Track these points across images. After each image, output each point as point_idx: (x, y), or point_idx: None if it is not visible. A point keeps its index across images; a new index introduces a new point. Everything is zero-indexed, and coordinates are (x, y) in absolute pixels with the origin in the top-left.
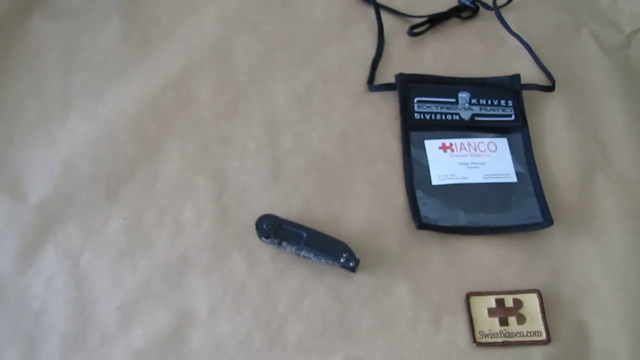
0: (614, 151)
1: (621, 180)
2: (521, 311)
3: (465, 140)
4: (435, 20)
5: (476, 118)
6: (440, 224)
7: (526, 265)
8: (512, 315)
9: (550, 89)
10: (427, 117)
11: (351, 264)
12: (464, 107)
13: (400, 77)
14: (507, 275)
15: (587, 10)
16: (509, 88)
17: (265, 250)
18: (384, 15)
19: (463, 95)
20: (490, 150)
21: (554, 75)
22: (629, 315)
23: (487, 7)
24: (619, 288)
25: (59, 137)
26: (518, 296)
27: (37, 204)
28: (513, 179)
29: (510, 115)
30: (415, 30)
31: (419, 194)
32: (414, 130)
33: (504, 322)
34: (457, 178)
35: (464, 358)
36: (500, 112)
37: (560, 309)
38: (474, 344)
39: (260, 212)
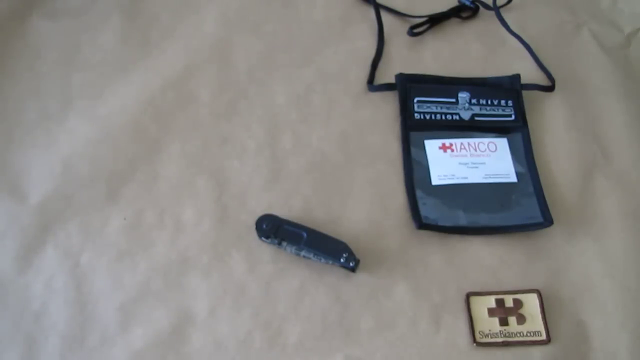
0: (614, 151)
1: (621, 180)
2: (521, 311)
3: (465, 140)
4: (435, 20)
5: (476, 118)
6: (440, 224)
7: (526, 265)
8: (512, 315)
9: (550, 89)
10: (427, 117)
11: (351, 264)
12: (464, 107)
13: (400, 77)
14: (507, 275)
15: (587, 10)
16: (509, 88)
17: (265, 250)
18: (384, 15)
19: (463, 95)
20: (490, 150)
21: (554, 75)
22: (629, 315)
23: (487, 7)
24: (619, 288)
25: (59, 137)
26: (518, 296)
27: (37, 204)
28: (513, 179)
29: (510, 115)
30: (415, 30)
31: (419, 194)
32: (414, 130)
33: (504, 322)
34: (457, 178)
35: (464, 358)
36: (500, 112)
37: (560, 309)
38: (474, 344)
39: (260, 212)
